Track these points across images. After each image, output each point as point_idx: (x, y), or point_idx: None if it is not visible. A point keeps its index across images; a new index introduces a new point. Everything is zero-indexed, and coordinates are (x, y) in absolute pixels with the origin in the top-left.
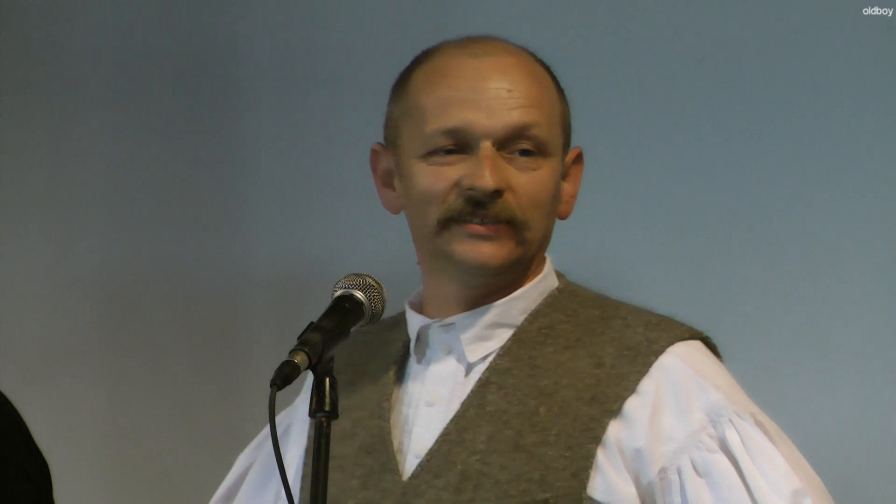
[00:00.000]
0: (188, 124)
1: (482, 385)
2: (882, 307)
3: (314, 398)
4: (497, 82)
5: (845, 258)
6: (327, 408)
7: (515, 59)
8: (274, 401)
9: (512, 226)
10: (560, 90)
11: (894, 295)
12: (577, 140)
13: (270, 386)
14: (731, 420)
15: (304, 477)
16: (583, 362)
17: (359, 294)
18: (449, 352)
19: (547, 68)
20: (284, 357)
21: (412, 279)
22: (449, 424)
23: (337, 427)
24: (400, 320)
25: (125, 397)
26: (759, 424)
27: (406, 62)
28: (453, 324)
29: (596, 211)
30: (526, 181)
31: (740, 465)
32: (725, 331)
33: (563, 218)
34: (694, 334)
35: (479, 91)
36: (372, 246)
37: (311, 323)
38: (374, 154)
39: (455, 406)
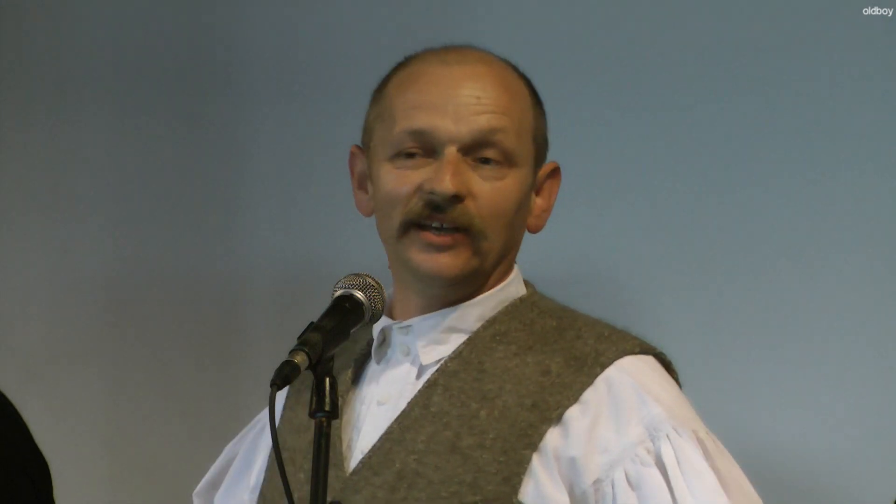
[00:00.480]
0: (188, 124)
1: (429, 386)
2: (882, 307)
3: (314, 398)
4: (466, 89)
5: (845, 258)
6: (327, 408)
7: (489, 68)
8: (274, 401)
9: (469, 234)
10: (537, 104)
11: (893, 295)
12: (573, 143)
13: (270, 386)
14: (668, 435)
15: (268, 468)
16: (530, 369)
17: (359, 294)
18: (407, 353)
19: (526, 81)
20: (284, 357)
21: None
22: (393, 423)
23: (294, 420)
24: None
25: (125, 397)
26: (698, 441)
27: None
28: (411, 326)
29: (595, 212)
30: (488, 189)
31: (670, 481)
32: (724, 331)
33: (533, 231)
34: (645, 349)
35: (448, 97)
36: (371, 246)
37: (311, 323)
38: (352, 156)
39: (402, 405)
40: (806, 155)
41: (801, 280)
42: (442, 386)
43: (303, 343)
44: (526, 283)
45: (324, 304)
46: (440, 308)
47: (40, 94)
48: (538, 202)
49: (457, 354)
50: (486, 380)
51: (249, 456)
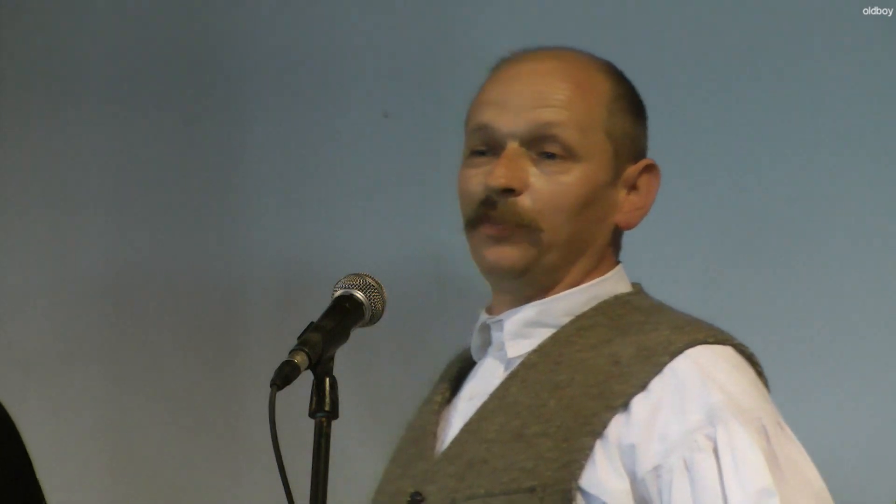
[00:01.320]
0: (188, 124)
1: (509, 378)
2: (882, 307)
3: (314, 398)
4: (529, 84)
5: (846, 258)
6: (327, 408)
7: (558, 63)
8: (274, 401)
9: (521, 228)
10: (619, 100)
11: (893, 295)
12: None
13: (270, 386)
14: (726, 421)
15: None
16: (602, 360)
17: (359, 294)
18: (500, 349)
19: (612, 79)
20: (284, 357)
21: (412, 279)
22: (473, 415)
23: (408, 426)
24: None
25: (125, 397)
26: (761, 428)
27: (406, 61)
28: (500, 321)
29: None
30: (545, 182)
31: (721, 465)
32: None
33: (624, 228)
34: (721, 339)
35: (511, 93)
36: (372, 246)
37: (312, 323)
38: None
39: (486, 399)
40: (806, 155)
41: (799, 281)
42: (520, 378)
43: (303, 343)
44: (634, 284)
45: (324, 304)
46: (529, 300)
47: (40, 94)
48: (632, 199)
49: (539, 347)
50: (560, 371)
51: None
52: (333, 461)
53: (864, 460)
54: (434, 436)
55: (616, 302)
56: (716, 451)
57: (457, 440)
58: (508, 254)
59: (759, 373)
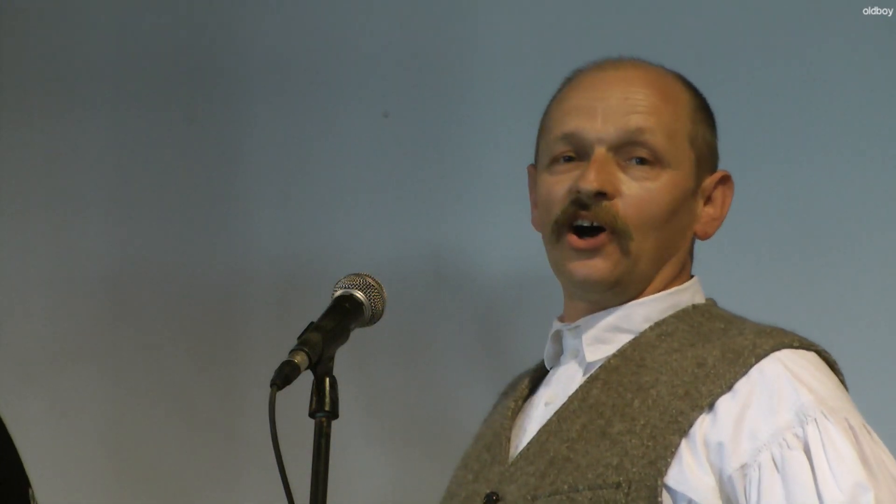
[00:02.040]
0: (188, 123)
1: (591, 381)
2: (882, 307)
3: (314, 398)
4: (616, 91)
5: (845, 258)
6: (327, 408)
7: (642, 71)
8: (274, 401)
9: (614, 234)
10: (699, 110)
11: (892, 294)
12: None
13: (270, 386)
14: (816, 420)
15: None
16: (687, 362)
17: (359, 294)
18: (576, 355)
19: (690, 89)
20: (284, 357)
21: (412, 279)
22: (552, 416)
23: (476, 435)
24: None
25: (125, 397)
26: (848, 427)
27: (406, 61)
28: (578, 326)
29: None
30: (636, 189)
31: (814, 463)
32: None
33: (702, 238)
34: (806, 345)
35: (598, 99)
36: (372, 246)
37: (312, 323)
38: (529, 176)
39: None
40: (806, 155)
41: (797, 283)
42: (602, 380)
43: (303, 343)
44: (708, 299)
45: (324, 304)
46: (606, 308)
47: (40, 94)
48: (708, 210)
49: (620, 352)
50: (643, 373)
51: None
52: (333, 461)
53: None
54: (508, 441)
55: (695, 311)
56: (807, 449)
57: (535, 441)
58: (600, 267)
59: (842, 380)
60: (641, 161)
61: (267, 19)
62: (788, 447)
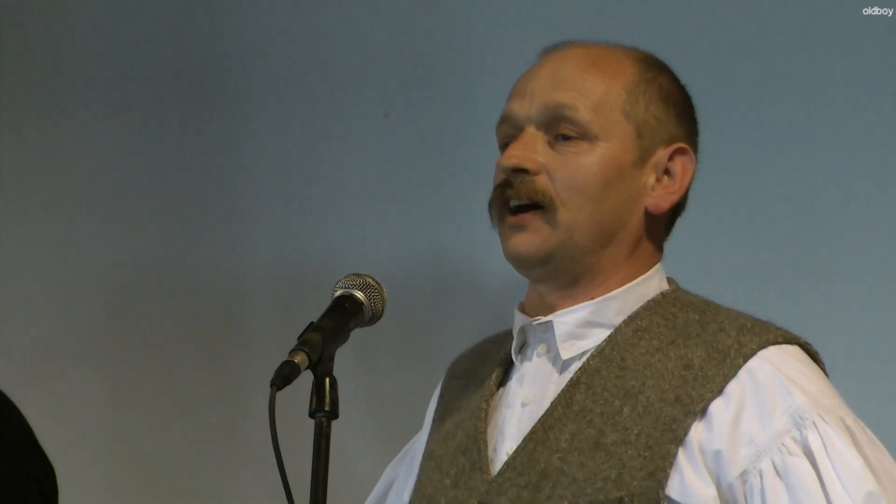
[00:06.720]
0: (188, 124)
1: (572, 385)
2: (881, 307)
3: (314, 398)
4: (546, 70)
5: (845, 258)
6: (327, 408)
7: (583, 50)
8: (274, 401)
9: (540, 210)
10: (646, 84)
11: (892, 295)
12: None
13: (270, 386)
14: (814, 423)
15: (417, 478)
16: (672, 364)
17: (359, 294)
18: (547, 350)
19: (638, 64)
20: (284, 357)
21: (412, 279)
22: (536, 424)
23: (441, 429)
24: None
25: (126, 396)
26: (845, 428)
27: (406, 61)
28: (550, 322)
29: None
30: (562, 163)
31: (819, 469)
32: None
33: (654, 212)
34: (789, 339)
35: (530, 80)
36: (372, 246)
37: (312, 323)
38: None
39: (546, 405)
40: (805, 155)
41: (799, 278)
42: (584, 384)
43: (303, 343)
44: (669, 280)
45: (324, 304)
46: (573, 300)
47: (40, 94)
48: (664, 183)
49: (598, 352)
50: (627, 376)
51: (409, 477)
52: (333, 461)
53: None
54: (485, 444)
55: (665, 300)
56: (809, 454)
57: (522, 450)
58: (527, 241)
59: (824, 371)
60: (567, 137)
61: (267, 20)
62: (789, 453)
